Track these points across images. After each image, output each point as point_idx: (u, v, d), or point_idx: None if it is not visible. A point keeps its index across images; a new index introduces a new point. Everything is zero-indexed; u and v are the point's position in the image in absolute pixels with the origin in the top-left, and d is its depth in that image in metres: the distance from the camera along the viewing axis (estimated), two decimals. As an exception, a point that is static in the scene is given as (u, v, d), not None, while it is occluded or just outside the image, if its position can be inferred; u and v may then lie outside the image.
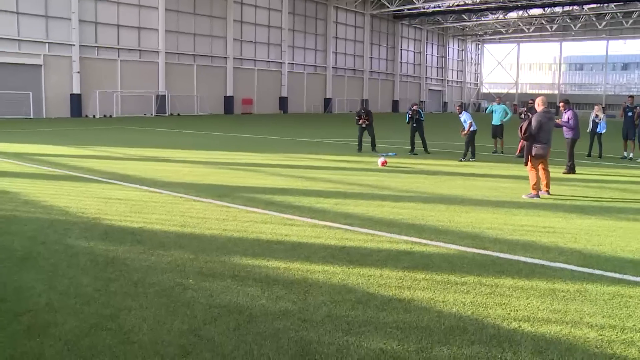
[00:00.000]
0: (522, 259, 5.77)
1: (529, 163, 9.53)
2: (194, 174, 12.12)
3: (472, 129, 15.52)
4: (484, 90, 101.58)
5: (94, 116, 43.61)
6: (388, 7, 67.72)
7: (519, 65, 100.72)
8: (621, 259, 5.84)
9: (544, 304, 4.48)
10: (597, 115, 17.72)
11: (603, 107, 20.48)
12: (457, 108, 16.53)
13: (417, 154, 17.16)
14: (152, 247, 6.16)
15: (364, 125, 17.78)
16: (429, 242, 6.39)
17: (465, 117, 15.69)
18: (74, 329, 3.96)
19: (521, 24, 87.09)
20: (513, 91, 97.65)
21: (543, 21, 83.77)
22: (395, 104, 78.14)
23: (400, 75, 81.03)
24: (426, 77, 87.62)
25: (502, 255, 5.88)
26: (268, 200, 8.96)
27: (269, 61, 59.81)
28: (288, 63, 61.63)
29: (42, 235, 6.62)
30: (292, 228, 7.08)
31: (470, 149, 15.64)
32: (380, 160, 14.14)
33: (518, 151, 10.28)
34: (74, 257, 5.76)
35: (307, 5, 64.30)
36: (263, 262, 5.59)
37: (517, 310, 4.33)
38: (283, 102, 60.93)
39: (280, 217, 7.73)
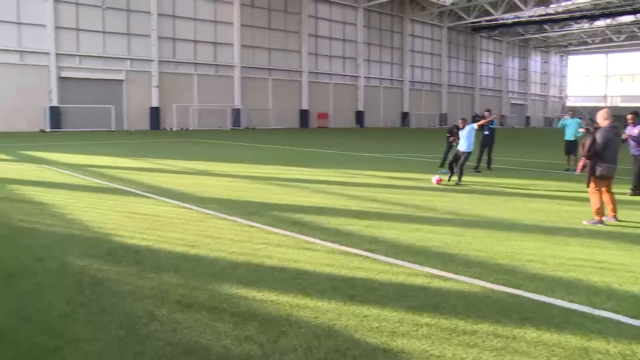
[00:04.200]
0: (558, 302, 4.78)
1: (591, 185, 8.35)
2: (236, 189, 11.73)
3: (467, 149, 13.38)
4: (569, 104, 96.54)
5: (171, 129, 44.96)
6: (465, 19, 65.89)
7: (608, 77, 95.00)
8: (688, 308, 4.72)
9: (569, 367, 3.55)
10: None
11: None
12: (461, 122, 14.01)
13: (480, 172, 15.99)
14: (146, 269, 5.70)
15: (454, 144, 16.71)
16: (452, 275, 5.51)
17: (469, 130, 13.59)
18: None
19: (609, 33, 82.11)
20: (602, 104, 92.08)
21: (635, 29, 78.48)
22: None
23: (480, 88, 78.51)
24: (507, 91, 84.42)
25: (534, 296, 4.92)
26: (296, 220, 8.34)
27: (344, 75, 59.65)
28: (364, 77, 61.21)
29: (44, 251, 6.34)
30: (306, 253, 6.40)
31: (457, 170, 13.40)
32: (435, 178, 13.17)
33: (579, 169, 9.06)
34: (62, 277, 5.39)
35: (382, 18, 63.70)
36: (252, 292, 4.97)
37: (529, 375, 3.44)
38: (359, 116, 60.49)
39: (299, 240, 7.07)
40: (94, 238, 7.06)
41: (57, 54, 40.10)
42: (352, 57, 60.28)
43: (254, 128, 49.60)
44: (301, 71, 54.94)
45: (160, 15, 44.69)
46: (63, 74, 40.57)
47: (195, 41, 47.26)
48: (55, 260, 5.98)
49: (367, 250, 6.52)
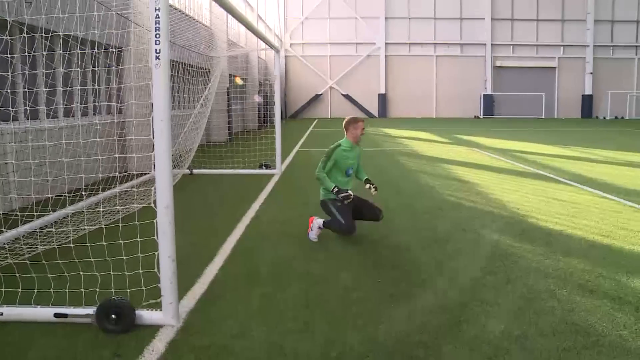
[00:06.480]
0: None
1: None
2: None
3: None
4: None
5: (604, 118, 42.19)
6: None
7: None
8: None
9: None
10: None
11: None
12: None
13: None
14: (555, 251, 5.92)
15: None
16: None
17: None
18: (400, 327, 4.37)
19: None
20: None
21: None
22: None
23: None
24: None
25: None
26: None
27: None
28: None
29: (466, 224, 7.24)
30: None
31: None
32: None
33: None
34: (477, 247, 6.13)
35: None
36: (666, 291, 4.64)
37: None
38: None
39: None
40: (510, 217, 7.63)
41: (492, 44, 42.41)
42: None
43: None
44: None
45: (598, -4, 42.18)
46: (497, 63, 42.70)
47: (637, 22, 42.71)
48: (473, 233, 6.77)
49: None
